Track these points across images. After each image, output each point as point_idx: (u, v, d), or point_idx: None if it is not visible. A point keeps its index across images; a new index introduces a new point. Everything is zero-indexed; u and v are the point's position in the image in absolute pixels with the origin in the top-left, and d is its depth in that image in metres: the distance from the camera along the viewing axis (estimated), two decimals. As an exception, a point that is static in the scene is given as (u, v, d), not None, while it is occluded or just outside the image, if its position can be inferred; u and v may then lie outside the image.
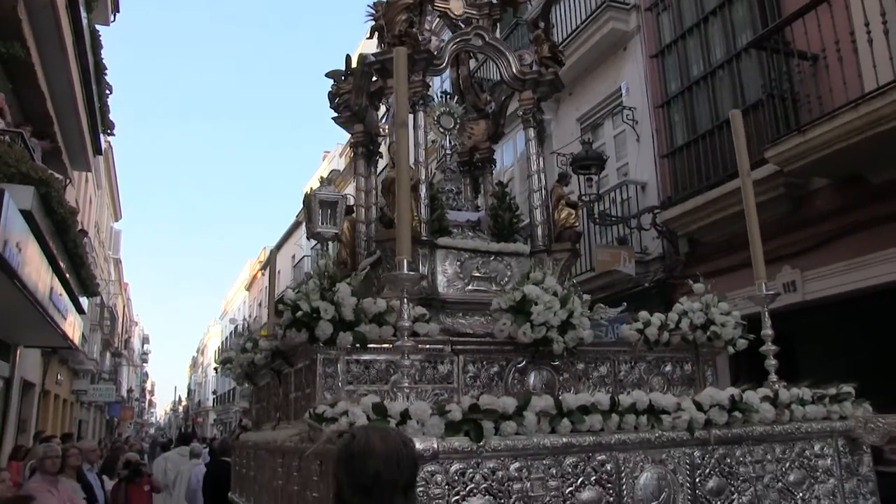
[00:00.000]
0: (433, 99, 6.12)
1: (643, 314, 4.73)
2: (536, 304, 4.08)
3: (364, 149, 6.38)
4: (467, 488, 3.00)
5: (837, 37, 7.07)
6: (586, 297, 4.56)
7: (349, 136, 6.73)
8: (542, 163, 5.82)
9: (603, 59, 12.31)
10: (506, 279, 5.25)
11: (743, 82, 9.15)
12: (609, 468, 3.33)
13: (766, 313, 4.23)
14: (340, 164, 28.99)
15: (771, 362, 4.15)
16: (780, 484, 3.74)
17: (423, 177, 5.26)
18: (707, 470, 3.57)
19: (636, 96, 11.54)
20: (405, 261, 3.24)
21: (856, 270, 7.63)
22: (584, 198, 10.87)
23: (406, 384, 3.18)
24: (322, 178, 21.83)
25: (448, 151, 6.41)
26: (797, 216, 8.37)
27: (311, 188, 7.24)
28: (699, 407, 3.60)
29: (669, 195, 10.27)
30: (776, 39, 8.04)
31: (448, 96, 6.47)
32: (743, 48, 9.06)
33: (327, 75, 6.53)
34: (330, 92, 6.47)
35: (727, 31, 9.60)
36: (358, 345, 3.75)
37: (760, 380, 4.16)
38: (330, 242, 7.05)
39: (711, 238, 9.51)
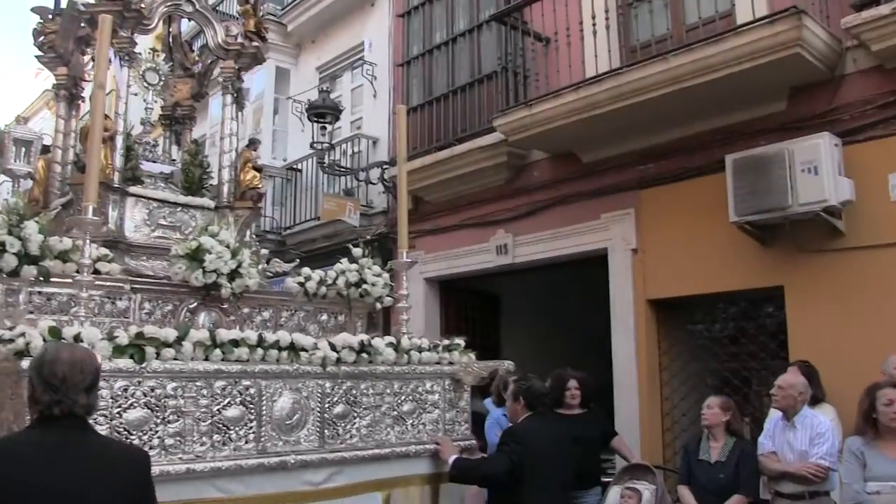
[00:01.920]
0: (140, 55, 6.18)
1: (305, 270, 5.49)
2: (210, 253, 4.65)
3: (67, 92, 6.42)
4: (129, 402, 3.54)
5: (568, 24, 7.68)
6: (264, 251, 5.75)
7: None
8: (235, 127, 6.30)
9: (350, 11, 12.29)
10: (190, 229, 5.76)
11: (481, 53, 9.61)
12: (252, 392, 4.00)
13: (405, 276, 5.43)
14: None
15: (403, 317, 5.26)
16: (395, 412, 4.71)
17: (121, 128, 5.58)
18: (335, 398, 4.37)
19: (378, 53, 11.67)
20: (90, 207, 3.79)
21: (560, 239, 8.41)
22: (316, 146, 10.88)
23: (83, 315, 3.70)
24: (19, 116, 21.50)
25: (150, 106, 6.55)
26: (515, 184, 9.03)
27: (6, 125, 7.13)
28: (333, 347, 4.33)
29: (400, 153, 10.55)
30: (515, 17, 8.55)
31: (156, 53, 6.46)
32: (484, 21, 9.50)
33: (34, 10, 6.29)
34: (35, 29, 6.30)
35: (473, 2, 10.01)
36: (41, 278, 4.13)
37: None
38: (22, 179, 7.25)
39: (435, 197, 9.95)
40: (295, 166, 12.62)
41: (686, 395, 7.49)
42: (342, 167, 11.39)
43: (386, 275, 5.64)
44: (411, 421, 4.80)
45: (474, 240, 9.39)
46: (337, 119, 11.07)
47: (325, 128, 10.89)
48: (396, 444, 4.67)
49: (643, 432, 7.41)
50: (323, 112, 10.81)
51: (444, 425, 5.00)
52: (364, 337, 4.54)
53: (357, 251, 5.63)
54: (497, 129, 8.27)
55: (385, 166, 10.73)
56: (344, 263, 5.56)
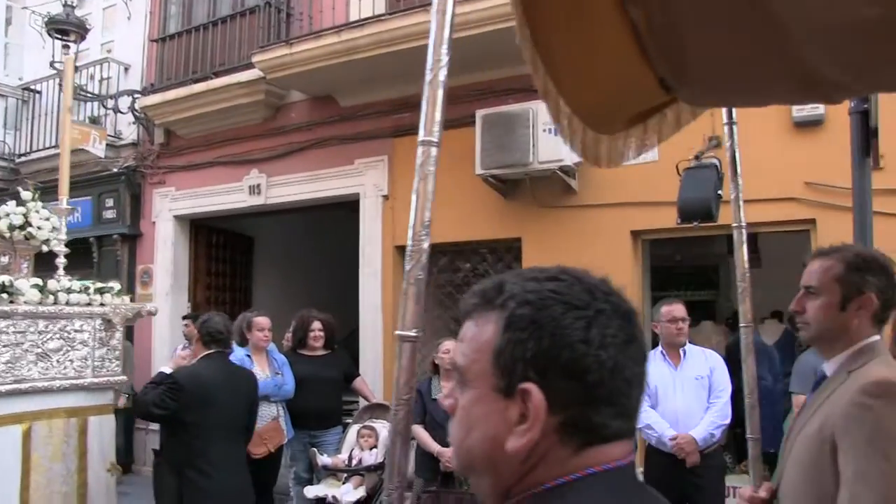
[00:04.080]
0: None
1: None
2: None
3: None
4: None
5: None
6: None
7: None
8: None
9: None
10: None
11: (245, -15, 9.25)
12: None
13: (63, 220, 5.81)
14: None
15: (60, 259, 5.65)
16: (38, 350, 4.95)
17: None
18: (-25, 335, 4.57)
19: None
20: None
21: (315, 182, 8.38)
22: (57, 65, 9.97)
23: None
24: None
25: None
26: (272, 124, 8.85)
27: None
28: None
29: (153, 82, 9.96)
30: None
31: None
32: (249, -48, 9.14)
33: None
34: None
35: (238, -70, 9.57)
36: None
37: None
38: None
39: (188, 132, 9.51)
40: (33, 87, 11.50)
41: (429, 339, 7.79)
42: (89, 92, 10.53)
43: (55, 220, 5.73)
44: (57, 358, 5.06)
45: (228, 178, 9.11)
46: (83, 38, 10.14)
47: (68, 46, 9.96)
48: (39, 379, 4.89)
49: (387, 374, 7.64)
50: (66, 29, 9.88)
51: (93, 362, 5.33)
52: (5, 278, 4.75)
53: (26, 194, 5.64)
54: (256, 65, 8.02)
55: (137, 95, 10.07)
56: (10, 206, 5.58)
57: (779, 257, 7.79)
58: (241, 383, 5.01)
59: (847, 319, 2.05)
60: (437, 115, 1.73)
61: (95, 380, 5.39)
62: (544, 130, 6.58)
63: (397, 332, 1.64)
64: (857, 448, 1.83)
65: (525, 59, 1.90)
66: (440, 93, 1.73)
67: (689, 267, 9.51)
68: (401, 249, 7.83)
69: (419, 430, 5.65)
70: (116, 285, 5.66)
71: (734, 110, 2.84)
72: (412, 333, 1.62)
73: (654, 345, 5.19)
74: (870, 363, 2.00)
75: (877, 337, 2.06)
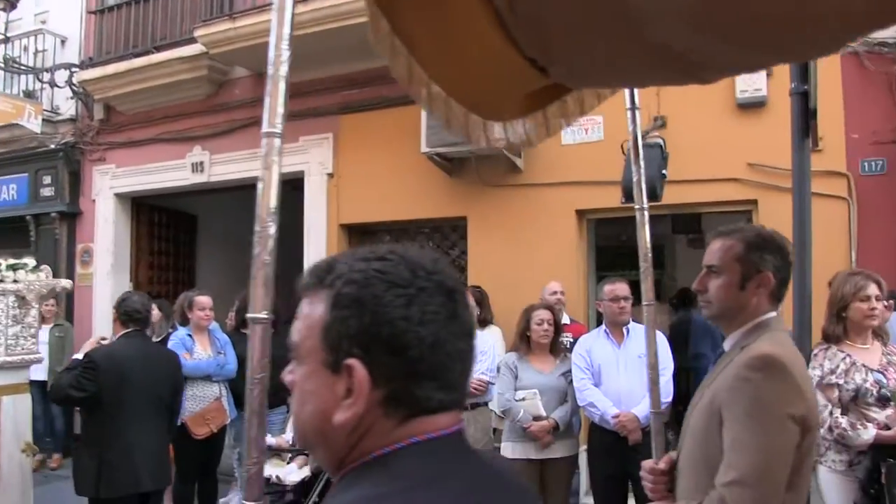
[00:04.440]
0: None
1: None
2: None
3: None
4: None
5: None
6: None
7: None
8: None
9: None
10: None
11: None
12: None
13: None
14: None
15: None
16: None
17: None
18: None
19: (69, -60, 10.48)
20: None
21: (258, 159, 8.20)
22: (-12, 36, 9.63)
23: None
24: None
25: None
26: (215, 100, 8.67)
27: None
28: None
29: (91, 56, 9.67)
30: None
31: None
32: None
33: None
34: None
35: None
36: None
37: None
38: None
39: (129, 108, 9.27)
40: (-39, 57, 11.07)
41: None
42: (22, 65, 10.18)
43: None
44: None
45: (170, 155, 8.91)
46: (13, 7, 9.80)
47: (-2, 16, 9.63)
48: None
49: (331, 353, 7.58)
50: (-6, -4, 9.53)
51: (6, 340, 5.21)
52: None
53: None
54: (198, 40, 7.85)
55: (74, 69, 9.76)
56: None
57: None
58: (161, 363, 4.87)
59: (746, 297, 2.11)
60: (280, 108, 1.79)
61: (9, 358, 5.27)
62: (491, 109, 6.55)
63: (248, 316, 1.72)
64: (737, 419, 1.91)
65: (381, 50, 1.91)
66: (282, 86, 1.79)
67: (635, 247, 9.58)
68: (346, 228, 7.76)
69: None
70: (31, 261, 5.52)
71: (635, 93, 2.84)
72: (263, 316, 1.70)
73: (599, 323, 5.22)
74: (760, 339, 2.06)
75: (773, 313, 2.12)
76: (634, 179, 2.88)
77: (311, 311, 1.01)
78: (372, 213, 7.56)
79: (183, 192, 9.23)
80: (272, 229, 1.74)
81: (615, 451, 4.71)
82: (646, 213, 2.85)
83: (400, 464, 0.96)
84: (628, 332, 5.01)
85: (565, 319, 5.81)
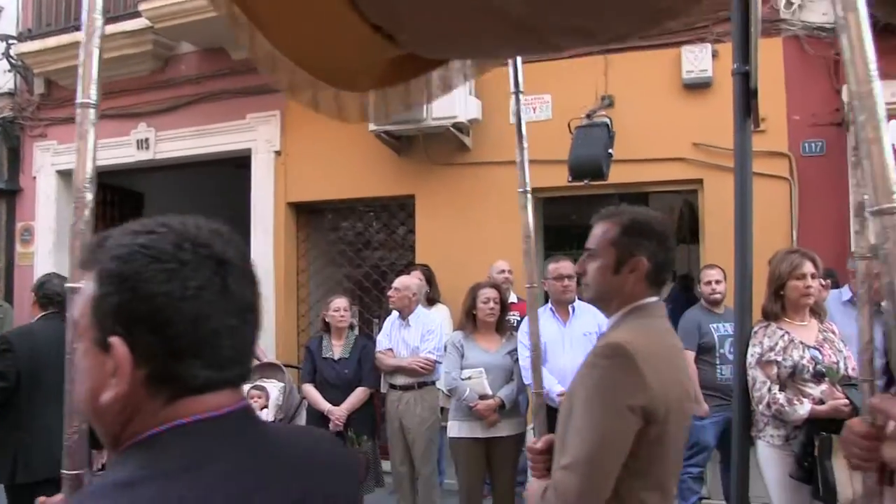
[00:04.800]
0: None
1: None
2: None
3: None
4: None
5: None
6: None
7: None
8: None
9: None
10: None
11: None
12: None
13: None
14: None
15: None
16: None
17: None
18: None
19: None
20: None
21: (205, 136, 8.09)
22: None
23: None
24: None
25: None
26: (161, 76, 8.47)
27: None
28: None
29: (30, 28, 9.37)
30: None
31: None
32: None
33: None
34: None
35: None
36: None
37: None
38: None
39: (72, 82, 8.95)
40: None
41: (323, 296, 7.71)
42: (-46, 36, 9.83)
43: None
44: None
45: (114, 132, 8.66)
46: (-52, -22, 9.48)
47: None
48: None
49: (279, 333, 7.53)
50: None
51: None
52: None
53: None
54: (143, 14, 7.65)
55: (12, 41, 9.45)
56: None
57: (668, 216, 8.00)
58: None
59: (620, 281, 2.10)
60: (94, 78, 1.77)
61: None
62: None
63: (66, 285, 1.69)
64: (580, 405, 1.93)
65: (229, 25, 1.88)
66: (95, 56, 1.77)
67: (584, 226, 9.63)
68: (294, 207, 7.68)
69: (309, 389, 5.59)
70: None
71: (520, 75, 2.85)
72: (80, 285, 1.67)
73: (546, 301, 5.25)
74: (622, 326, 2.09)
75: (652, 298, 2.12)
76: (518, 160, 2.89)
77: (85, 288, 0.99)
78: (320, 192, 7.49)
79: (128, 170, 9.01)
80: (89, 197, 1.74)
81: (562, 428, 4.74)
82: (528, 196, 2.86)
83: (161, 447, 0.93)
84: (574, 310, 5.04)
85: (512, 298, 5.82)
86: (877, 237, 1.09)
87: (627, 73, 6.40)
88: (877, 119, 1.09)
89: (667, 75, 6.40)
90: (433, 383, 5.48)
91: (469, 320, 5.06)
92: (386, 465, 5.66)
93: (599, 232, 2.17)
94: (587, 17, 1.85)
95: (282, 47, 2.03)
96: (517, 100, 2.89)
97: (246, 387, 5.98)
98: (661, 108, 6.39)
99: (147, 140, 8.41)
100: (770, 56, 5.78)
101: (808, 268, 3.87)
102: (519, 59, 2.77)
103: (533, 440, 2.41)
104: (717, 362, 5.32)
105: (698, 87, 6.36)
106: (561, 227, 8.13)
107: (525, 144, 2.83)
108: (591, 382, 1.93)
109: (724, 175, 5.73)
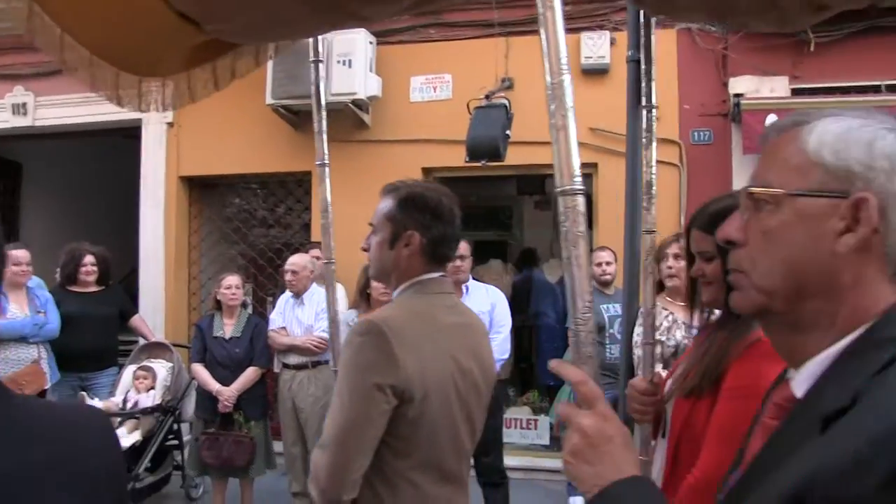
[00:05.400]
0: None
1: None
2: None
3: None
4: None
5: None
6: None
7: None
8: None
9: None
10: None
11: None
12: None
13: None
14: None
15: None
16: None
17: None
18: None
19: None
20: None
21: (91, 104, 7.68)
22: None
23: None
24: None
25: None
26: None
27: None
28: None
29: None
30: None
31: None
32: None
33: None
34: None
35: None
36: None
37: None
38: None
39: (-59, 41, 8.42)
40: None
41: (215, 274, 7.49)
42: None
43: None
44: None
45: (-13, 95, 8.16)
46: None
47: None
48: None
49: (168, 311, 7.29)
50: None
51: None
52: None
53: None
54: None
55: None
56: None
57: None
58: None
59: (396, 256, 2.10)
60: None
61: None
62: (339, 62, 6.40)
63: None
64: (337, 383, 1.95)
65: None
66: None
67: (483, 207, 9.73)
68: (187, 181, 7.43)
69: (198, 369, 5.43)
70: None
71: (319, 46, 2.87)
72: None
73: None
74: (392, 302, 2.11)
75: (432, 274, 2.12)
76: (315, 130, 2.86)
77: None
78: (214, 166, 7.25)
79: (4, 137, 8.49)
80: None
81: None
82: (326, 169, 2.83)
83: None
84: (467, 289, 5.07)
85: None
86: (559, 215, 1.15)
87: (527, 56, 6.44)
88: (565, 108, 1.18)
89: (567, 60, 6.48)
90: (327, 362, 5.41)
91: (363, 299, 5.01)
92: (278, 447, 5.57)
93: (379, 207, 2.15)
94: None
95: (82, 40, 1.94)
96: (316, 69, 2.83)
97: (132, 367, 5.81)
98: (559, 92, 6.46)
99: (24, 105, 7.92)
100: (664, 46, 5.93)
101: (673, 248, 3.98)
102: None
103: None
104: (607, 342, 5.45)
105: (596, 73, 6.47)
106: (462, 207, 8.16)
107: (323, 115, 2.78)
108: (345, 360, 1.92)
109: (618, 159, 5.84)
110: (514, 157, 6.15)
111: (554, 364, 1.17)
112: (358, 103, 6.51)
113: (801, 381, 1.01)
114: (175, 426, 5.76)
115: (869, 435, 0.80)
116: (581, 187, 1.18)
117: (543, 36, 1.22)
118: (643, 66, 3.38)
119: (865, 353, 0.92)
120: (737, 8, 1.96)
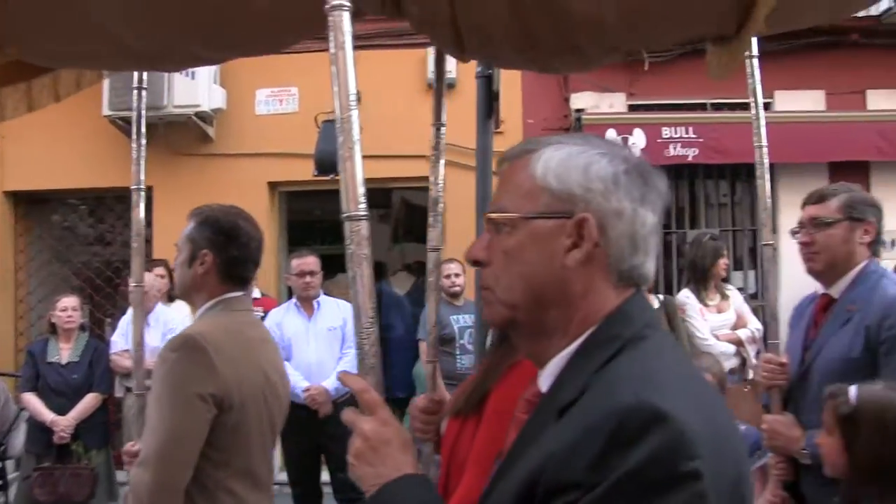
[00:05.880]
0: None
1: None
2: None
3: None
4: None
5: None
6: None
7: None
8: None
9: None
10: None
11: None
12: None
13: None
14: None
15: None
16: None
17: None
18: None
19: None
20: None
21: None
22: None
23: None
24: None
25: None
26: None
27: None
28: None
29: None
30: None
31: None
32: None
33: None
34: None
35: None
36: None
37: None
38: None
39: None
40: None
41: (46, 296, 7.05)
42: None
43: None
44: None
45: None
46: None
47: None
48: None
49: (-7, 333, 6.80)
50: None
51: None
52: None
53: None
54: None
55: None
56: None
57: (409, 213, 8.25)
58: None
59: (192, 275, 2.17)
60: None
61: None
62: (182, 73, 6.20)
63: None
64: (153, 400, 1.99)
65: None
66: None
67: (329, 221, 9.66)
68: (13, 195, 6.96)
69: (30, 398, 5.09)
70: None
71: (144, 75, 2.81)
72: None
73: (290, 297, 5.21)
74: (200, 319, 2.17)
75: (236, 293, 2.19)
76: (133, 157, 2.75)
77: None
78: (44, 180, 6.81)
79: None
80: None
81: (307, 424, 4.73)
82: (142, 194, 2.69)
83: None
84: (319, 305, 5.05)
85: (256, 293, 5.69)
86: (346, 238, 1.25)
87: (376, 70, 6.48)
88: (352, 141, 1.26)
89: (413, 75, 6.57)
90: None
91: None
92: (123, 476, 5.29)
93: (183, 230, 2.23)
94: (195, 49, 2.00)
95: None
96: (139, 95, 2.74)
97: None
98: (406, 106, 6.54)
99: None
100: (508, 63, 6.13)
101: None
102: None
103: None
104: (458, 353, 5.55)
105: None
106: (305, 221, 8.09)
107: (143, 141, 2.70)
108: (161, 376, 1.95)
109: (465, 173, 5.98)
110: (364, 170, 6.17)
111: (341, 375, 1.27)
112: (202, 116, 6.34)
113: (544, 378, 1.12)
114: (-1, 465, 5.33)
115: (585, 423, 0.93)
116: (364, 213, 1.26)
117: (335, 73, 1.31)
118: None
119: (592, 351, 1.05)
120: (538, 47, 2.07)
